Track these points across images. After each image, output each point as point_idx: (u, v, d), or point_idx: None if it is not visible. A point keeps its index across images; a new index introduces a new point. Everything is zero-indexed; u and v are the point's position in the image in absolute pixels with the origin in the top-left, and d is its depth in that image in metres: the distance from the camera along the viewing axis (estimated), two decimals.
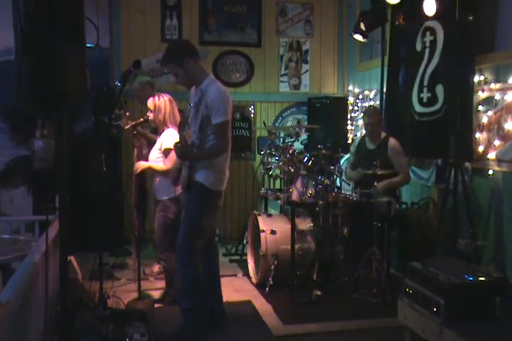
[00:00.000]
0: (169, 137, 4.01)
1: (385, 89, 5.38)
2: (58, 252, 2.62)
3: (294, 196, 4.40)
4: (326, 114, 6.34)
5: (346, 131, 6.47)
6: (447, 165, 4.34)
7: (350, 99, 6.55)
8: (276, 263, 4.39)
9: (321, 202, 4.28)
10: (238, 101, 6.21)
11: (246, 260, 4.96)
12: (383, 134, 4.77)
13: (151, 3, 6.30)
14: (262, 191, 5.05)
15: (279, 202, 4.81)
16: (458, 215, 4.12)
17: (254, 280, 4.68)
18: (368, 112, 4.81)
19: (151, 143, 4.26)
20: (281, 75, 6.75)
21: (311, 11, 6.77)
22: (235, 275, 4.97)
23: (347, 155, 5.27)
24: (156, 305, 4.06)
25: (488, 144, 4.12)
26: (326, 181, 4.34)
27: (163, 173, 4.02)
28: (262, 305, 4.15)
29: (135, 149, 4.27)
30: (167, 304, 4.08)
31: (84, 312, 3.30)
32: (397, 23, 5.19)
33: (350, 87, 6.63)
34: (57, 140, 2.65)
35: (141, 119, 4.16)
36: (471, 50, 4.17)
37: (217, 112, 3.34)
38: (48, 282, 2.63)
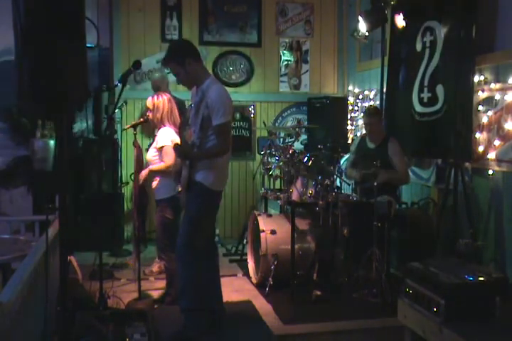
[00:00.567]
0: (164, 135, 4.03)
1: (385, 89, 5.38)
2: (58, 252, 2.62)
3: (294, 196, 4.40)
4: (326, 114, 6.34)
5: (346, 131, 6.47)
6: (447, 165, 4.34)
7: (350, 99, 6.54)
8: (276, 263, 4.39)
9: (321, 202, 4.28)
10: (238, 101, 6.21)
11: (246, 260, 4.96)
12: (384, 133, 4.78)
13: (151, 3, 6.29)
14: (262, 191, 5.05)
15: (279, 202, 4.81)
16: (458, 215, 4.12)
17: (254, 280, 4.68)
18: (368, 112, 4.81)
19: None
20: (281, 75, 6.76)
21: (311, 11, 6.76)
22: (235, 275, 4.97)
23: (347, 155, 5.27)
24: (156, 305, 4.06)
25: (488, 144, 4.12)
26: (326, 181, 4.34)
27: (165, 171, 4.02)
28: (262, 305, 4.15)
29: (135, 149, 4.27)
30: (167, 304, 4.08)
31: (84, 312, 3.30)
32: (397, 23, 5.19)
33: (350, 87, 6.63)
34: (57, 140, 2.65)
35: (141, 119, 4.17)
36: (471, 50, 4.17)
37: (218, 113, 3.35)
38: (47, 282, 2.62)
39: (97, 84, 6.11)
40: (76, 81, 2.45)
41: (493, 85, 4.08)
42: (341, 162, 5.02)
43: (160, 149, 4.05)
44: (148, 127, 4.65)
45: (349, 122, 6.49)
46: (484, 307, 2.88)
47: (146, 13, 6.28)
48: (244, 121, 6.62)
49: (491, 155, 4.07)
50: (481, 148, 4.18)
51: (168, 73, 5.60)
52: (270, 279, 4.39)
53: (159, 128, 4.10)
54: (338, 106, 6.48)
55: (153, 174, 4.12)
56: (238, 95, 6.32)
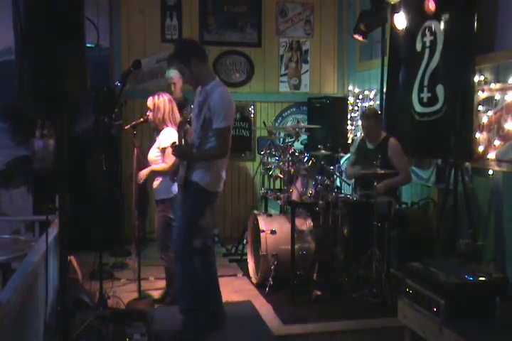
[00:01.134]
0: (167, 136, 4.03)
1: (385, 89, 5.38)
2: (58, 252, 2.62)
3: (294, 196, 4.40)
4: (326, 114, 6.34)
5: (346, 131, 6.48)
6: (447, 165, 4.34)
7: (350, 99, 6.55)
8: (276, 263, 4.40)
9: (321, 202, 4.28)
10: (238, 101, 6.20)
11: (246, 260, 4.96)
12: (383, 134, 4.76)
13: (151, 3, 6.30)
14: (262, 191, 5.05)
15: (279, 202, 4.81)
16: (458, 215, 4.12)
17: (254, 280, 4.68)
18: (364, 115, 4.80)
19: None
20: (281, 75, 6.76)
21: (311, 11, 6.77)
22: (235, 275, 4.97)
23: (347, 155, 5.27)
24: (156, 305, 4.06)
25: (488, 144, 4.12)
26: (326, 181, 4.34)
27: (166, 172, 4.02)
28: (262, 305, 4.15)
29: (135, 149, 4.27)
30: (167, 304, 4.09)
31: (84, 312, 3.30)
32: (397, 23, 5.19)
33: (350, 87, 6.63)
34: (57, 140, 2.65)
35: (141, 119, 4.17)
36: (471, 50, 4.17)
37: (219, 117, 3.35)
38: (48, 282, 2.63)
39: (97, 84, 6.11)
40: (76, 81, 2.45)
41: (493, 85, 4.08)
42: (341, 162, 5.02)
43: (163, 150, 4.04)
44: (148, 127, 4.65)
45: (349, 122, 6.49)
46: (484, 307, 2.88)
47: (146, 13, 6.28)
48: (244, 121, 6.62)
49: (491, 155, 4.07)
50: (481, 148, 4.18)
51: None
52: (270, 279, 4.40)
53: (161, 128, 4.10)
54: (338, 106, 6.48)
55: (154, 174, 4.12)
56: (238, 95, 6.32)
